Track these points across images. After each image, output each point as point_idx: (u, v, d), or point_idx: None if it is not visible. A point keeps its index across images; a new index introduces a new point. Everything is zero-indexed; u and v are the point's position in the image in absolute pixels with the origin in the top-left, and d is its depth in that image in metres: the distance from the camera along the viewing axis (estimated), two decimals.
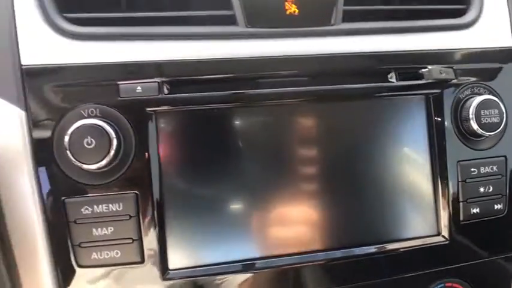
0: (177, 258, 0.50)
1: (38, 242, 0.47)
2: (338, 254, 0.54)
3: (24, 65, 0.47)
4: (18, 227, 0.47)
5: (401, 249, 0.55)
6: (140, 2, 0.53)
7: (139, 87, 0.48)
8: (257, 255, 0.51)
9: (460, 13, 0.60)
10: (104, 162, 0.46)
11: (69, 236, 0.47)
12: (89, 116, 0.47)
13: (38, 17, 0.49)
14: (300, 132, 0.53)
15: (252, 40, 0.52)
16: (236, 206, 0.51)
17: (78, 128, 0.46)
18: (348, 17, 0.55)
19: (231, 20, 0.52)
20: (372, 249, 0.54)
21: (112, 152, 0.46)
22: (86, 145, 0.46)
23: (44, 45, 0.48)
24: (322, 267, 0.53)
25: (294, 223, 0.53)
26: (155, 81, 0.49)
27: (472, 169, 0.56)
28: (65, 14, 0.50)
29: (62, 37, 0.49)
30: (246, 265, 0.51)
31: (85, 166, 0.46)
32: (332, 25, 0.54)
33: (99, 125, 0.46)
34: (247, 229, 0.51)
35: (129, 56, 0.49)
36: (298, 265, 0.52)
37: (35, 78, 0.47)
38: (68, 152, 0.45)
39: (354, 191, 0.54)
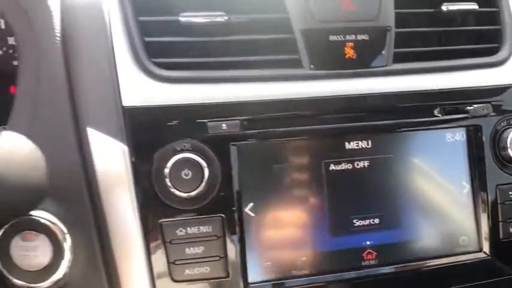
0: (256, 273, 0.57)
1: (138, 259, 0.54)
2: (387, 269, 0.61)
3: (125, 106, 0.55)
4: (120, 245, 0.54)
5: (448, 264, 0.62)
6: (215, 47, 0.60)
7: (224, 125, 0.56)
8: (329, 269, 0.58)
9: (493, 52, 0.67)
10: (198, 190, 0.53)
11: (165, 255, 0.54)
12: (181, 150, 0.55)
13: (132, 63, 0.57)
14: (357, 158, 0.60)
15: (315, 81, 0.60)
16: (306, 224, 0.58)
17: (177, 161, 0.53)
18: (398, 58, 0.62)
19: (297, 64, 0.60)
20: (419, 264, 0.61)
21: (204, 181, 0.53)
22: (183, 176, 0.53)
23: (139, 88, 0.56)
24: (379, 282, 0.60)
25: (357, 240, 0.60)
26: (237, 119, 0.56)
27: (510, 192, 0.63)
28: (154, 60, 0.58)
29: (154, 81, 0.56)
30: (315, 279, 0.58)
31: (181, 194, 0.53)
32: (385, 66, 0.62)
33: (194, 159, 0.53)
34: (319, 246, 0.58)
35: (213, 97, 0.57)
36: (362, 280, 0.59)
37: (133, 118, 0.55)
38: (168, 181, 0.53)
39: (405, 212, 0.61)
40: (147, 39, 0.58)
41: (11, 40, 0.80)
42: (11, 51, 0.79)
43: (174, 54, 0.59)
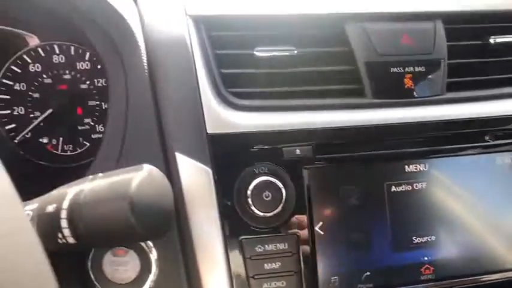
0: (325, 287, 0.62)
1: (220, 273, 0.59)
2: (444, 284, 0.65)
3: (209, 133, 0.60)
4: (203, 259, 0.59)
5: (503, 279, 0.66)
6: (284, 78, 0.66)
7: (298, 150, 0.61)
8: (390, 283, 0.63)
9: None
10: (276, 211, 0.59)
11: (245, 269, 0.59)
12: (259, 173, 0.60)
13: (213, 93, 0.62)
14: (415, 180, 0.65)
15: (377, 109, 0.65)
16: (370, 241, 0.63)
17: (258, 183, 0.58)
18: (451, 87, 0.68)
19: (359, 93, 0.65)
20: (475, 279, 0.66)
21: (283, 202, 0.59)
22: (264, 197, 0.58)
23: (220, 116, 0.61)
24: None
25: (416, 256, 0.65)
26: (310, 145, 0.62)
27: None
28: (230, 90, 0.63)
29: (233, 109, 0.62)
30: None
31: (261, 213, 0.58)
32: (439, 95, 0.67)
33: (274, 182, 0.59)
34: (382, 261, 0.63)
35: (286, 124, 0.62)
36: None
37: (216, 143, 0.60)
38: (250, 202, 0.58)
39: (460, 230, 0.66)
40: (223, 70, 0.64)
41: (79, 65, 0.86)
42: (78, 75, 0.85)
43: (246, 84, 0.64)
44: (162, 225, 0.40)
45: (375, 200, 0.64)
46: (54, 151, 0.85)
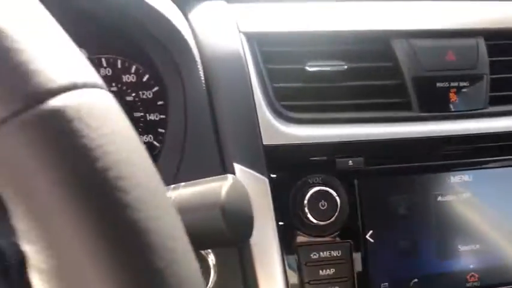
0: None
1: (277, 279, 0.62)
2: None
3: (265, 145, 0.63)
4: (260, 265, 0.62)
5: None
6: (333, 91, 0.68)
7: (350, 161, 0.64)
8: None
9: None
10: (332, 219, 0.61)
11: (301, 275, 0.62)
12: (314, 183, 0.63)
13: (267, 106, 0.65)
14: (460, 190, 0.68)
15: (423, 122, 0.68)
16: (418, 249, 0.65)
17: (314, 192, 0.61)
18: (493, 101, 0.70)
19: (406, 107, 0.68)
20: None
21: (337, 211, 0.61)
22: (320, 206, 0.61)
23: (275, 128, 0.64)
24: None
25: (462, 264, 0.67)
26: (362, 156, 0.64)
27: None
28: (282, 103, 0.66)
29: (286, 122, 0.65)
30: None
31: (317, 222, 0.61)
32: (482, 109, 0.70)
33: (329, 191, 0.61)
34: (429, 268, 0.65)
35: (338, 136, 0.65)
36: None
37: (272, 155, 0.63)
38: (307, 211, 0.61)
39: (504, 238, 0.68)
40: (275, 84, 0.67)
41: (125, 78, 0.89)
42: (124, 87, 0.88)
43: (297, 98, 0.67)
44: (248, 230, 0.43)
45: (421, 209, 0.66)
46: None
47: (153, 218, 0.22)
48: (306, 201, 0.61)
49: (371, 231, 0.64)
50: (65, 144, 0.20)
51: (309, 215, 0.61)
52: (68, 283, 0.20)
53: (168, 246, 0.22)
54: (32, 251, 0.21)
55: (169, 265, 0.21)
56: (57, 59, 0.22)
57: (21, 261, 0.22)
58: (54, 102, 0.20)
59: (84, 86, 0.22)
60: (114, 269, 0.20)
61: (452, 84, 0.68)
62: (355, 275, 0.63)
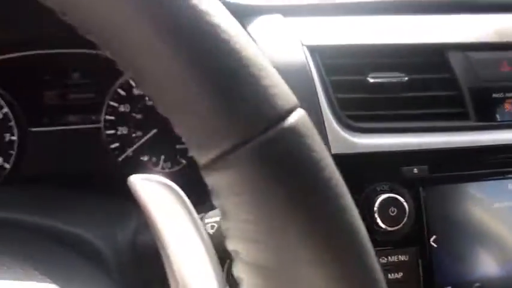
0: None
1: None
2: None
3: (333, 154, 0.66)
4: None
5: None
6: (393, 102, 0.71)
7: (415, 169, 0.66)
8: None
9: None
10: (400, 225, 0.63)
11: None
12: (382, 191, 0.65)
13: (332, 116, 0.68)
14: None
15: (480, 131, 0.71)
16: (479, 253, 0.68)
17: (383, 199, 0.63)
18: None
19: (463, 117, 0.71)
20: None
21: (406, 218, 0.64)
22: (390, 213, 0.63)
23: (341, 138, 0.67)
24: None
25: None
26: (426, 164, 0.67)
27: None
28: (346, 113, 0.69)
29: (351, 131, 0.67)
30: None
31: (386, 227, 0.63)
32: None
33: (398, 198, 0.64)
34: (490, 272, 0.68)
35: (402, 145, 0.67)
36: None
37: (340, 163, 0.64)
38: (377, 217, 0.63)
39: None
40: (339, 95, 0.69)
41: None
42: None
43: (359, 108, 0.70)
44: None
45: (481, 215, 0.69)
46: (154, 168, 0.91)
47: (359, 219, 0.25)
48: (376, 208, 0.63)
49: (434, 237, 0.67)
50: (304, 158, 0.23)
51: (378, 221, 0.63)
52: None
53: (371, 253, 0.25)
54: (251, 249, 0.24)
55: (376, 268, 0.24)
56: (283, 82, 0.25)
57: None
58: (291, 120, 0.23)
59: (298, 104, 0.25)
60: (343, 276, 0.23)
61: (507, 94, 0.71)
62: (422, 279, 0.65)
